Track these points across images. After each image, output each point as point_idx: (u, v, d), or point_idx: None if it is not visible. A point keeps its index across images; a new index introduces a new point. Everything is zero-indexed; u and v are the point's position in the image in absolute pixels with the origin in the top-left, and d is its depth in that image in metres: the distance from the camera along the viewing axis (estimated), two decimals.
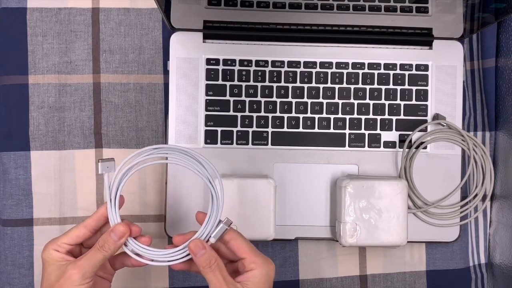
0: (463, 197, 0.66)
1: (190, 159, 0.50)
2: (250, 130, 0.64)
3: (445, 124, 0.65)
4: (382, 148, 0.65)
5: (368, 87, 0.65)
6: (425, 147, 0.65)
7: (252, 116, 0.64)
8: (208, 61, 0.64)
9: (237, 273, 0.50)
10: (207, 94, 0.64)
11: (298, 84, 0.65)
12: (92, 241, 0.51)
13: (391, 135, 0.65)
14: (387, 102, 0.65)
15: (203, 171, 0.50)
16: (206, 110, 0.64)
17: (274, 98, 0.65)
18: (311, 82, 0.65)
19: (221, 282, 0.48)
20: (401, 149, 0.65)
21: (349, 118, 0.65)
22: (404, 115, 0.65)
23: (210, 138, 0.64)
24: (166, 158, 0.51)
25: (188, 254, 0.49)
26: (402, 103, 0.65)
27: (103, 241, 0.48)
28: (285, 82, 0.65)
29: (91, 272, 0.48)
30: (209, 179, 0.50)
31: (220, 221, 0.50)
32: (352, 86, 0.65)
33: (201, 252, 0.48)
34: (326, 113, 0.65)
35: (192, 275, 0.65)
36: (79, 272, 0.47)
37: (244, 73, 0.64)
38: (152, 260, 0.50)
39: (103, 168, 0.50)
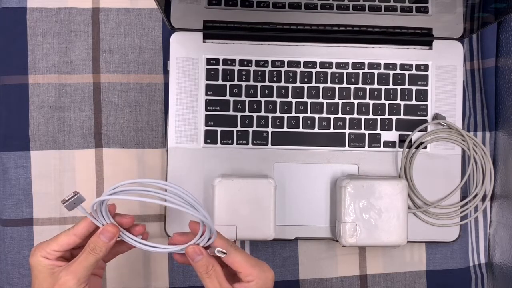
0: (463, 197, 0.66)
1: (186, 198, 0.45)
2: (250, 130, 0.64)
3: (445, 124, 0.65)
4: (382, 148, 0.65)
5: (368, 87, 0.65)
6: (425, 147, 0.65)
7: (252, 116, 0.64)
8: (208, 61, 0.64)
9: (235, 276, 0.50)
10: (207, 94, 0.64)
11: (298, 84, 0.65)
12: (84, 242, 0.49)
13: (391, 135, 0.65)
14: (387, 102, 0.65)
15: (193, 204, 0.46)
16: (206, 110, 0.64)
17: (274, 98, 0.65)
18: (311, 82, 0.65)
19: None
20: (401, 149, 0.65)
21: (349, 118, 0.65)
22: (404, 115, 0.65)
23: (210, 138, 0.64)
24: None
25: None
26: (402, 103, 0.65)
27: (93, 244, 0.47)
28: (285, 82, 0.65)
29: (86, 276, 0.47)
30: (193, 206, 0.45)
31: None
32: (352, 86, 0.65)
33: (198, 258, 0.47)
34: (326, 113, 0.65)
35: (192, 275, 0.65)
36: (73, 278, 0.46)
37: (244, 73, 0.64)
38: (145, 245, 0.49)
39: (70, 206, 0.46)
